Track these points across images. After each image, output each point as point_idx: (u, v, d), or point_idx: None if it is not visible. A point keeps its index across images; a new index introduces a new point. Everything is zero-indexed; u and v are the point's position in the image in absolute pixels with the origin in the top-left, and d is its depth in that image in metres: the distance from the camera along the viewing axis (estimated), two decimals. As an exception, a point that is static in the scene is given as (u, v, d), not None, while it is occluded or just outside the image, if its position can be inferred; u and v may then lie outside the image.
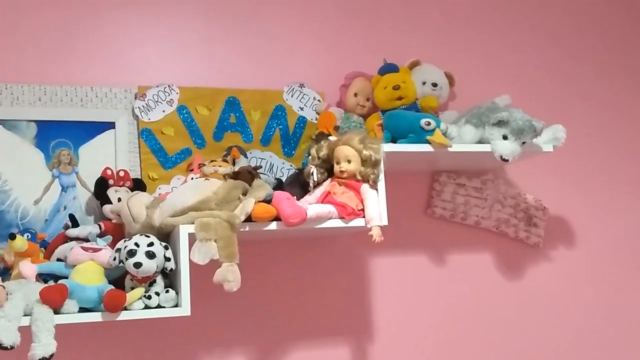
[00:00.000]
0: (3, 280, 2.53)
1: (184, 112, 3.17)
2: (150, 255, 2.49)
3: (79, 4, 3.15)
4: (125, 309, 2.47)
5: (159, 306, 2.54)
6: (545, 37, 3.91)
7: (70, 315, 2.41)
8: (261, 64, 3.37)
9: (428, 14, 3.70)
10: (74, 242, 2.69)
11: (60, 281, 2.49)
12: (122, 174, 2.93)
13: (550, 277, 3.66)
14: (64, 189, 2.97)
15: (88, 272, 2.52)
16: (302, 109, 3.35)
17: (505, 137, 3.01)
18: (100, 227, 2.80)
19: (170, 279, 2.65)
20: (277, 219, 2.65)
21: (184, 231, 2.56)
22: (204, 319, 3.03)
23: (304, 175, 2.94)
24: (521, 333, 3.56)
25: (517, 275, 3.61)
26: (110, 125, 3.07)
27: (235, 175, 2.84)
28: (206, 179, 2.81)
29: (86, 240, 2.71)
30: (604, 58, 4.01)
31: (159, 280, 2.58)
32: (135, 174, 3.04)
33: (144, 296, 2.52)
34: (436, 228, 3.50)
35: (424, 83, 3.33)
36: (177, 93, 3.17)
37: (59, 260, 2.66)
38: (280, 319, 3.20)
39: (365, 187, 2.81)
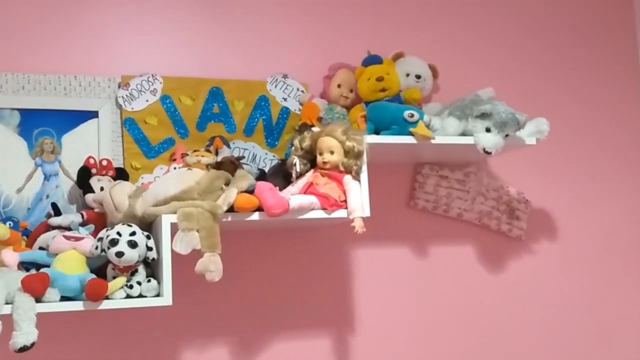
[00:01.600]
0: (-16, 269, 2.54)
1: (168, 101, 3.18)
2: (133, 244, 2.50)
3: (63, -7, 3.17)
4: (107, 298, 2.47)
5: (140, 295, 2.54)
6: (529, 31, 3.93)
7: (52, 304, 2.42)
8: (245, 54, 3.38)
9: (412, 6, 3.71)
10: (56, 231, 2.70)
11: (42, 270, 2.49)
12: (104, 163, 2.94)
13: (532, 269, 3.69)
14: (46, 177, 2.98)
15: (70, 261, 2.52)
16: (285, 99, 3.36)
17: (488, 130, 3.03)
18: (82, 216, 2.80)
19: (152, 268, 2.66)
20: (259, 209, 2.66)
21: (167, 221, 2.57)
22: (186, 308, 3.04)
23: (287, 166, 2.95)
24: (503, 325, 3.59)
25: (499, 268, 3.63)
26: (94, 114, 3.07)
27: (218, 166, 2.85)
28: (189, 168, 2.82)
29: (68, 229, 2.70)
30: (586, 53, 4.03)
31: (141, 269, 2.59)
32: (118, 163, 3.05)
33: (126, 285, 2.53)
34: (418, 220, 3.52)
35: (407, 75, 3.34)
36: (161, 83, 3.18)
37: (41, 248, 2.67)
38: (262, 310, 3.21)
39: (347, 179, 2.82)
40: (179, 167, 2.98)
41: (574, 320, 3.73)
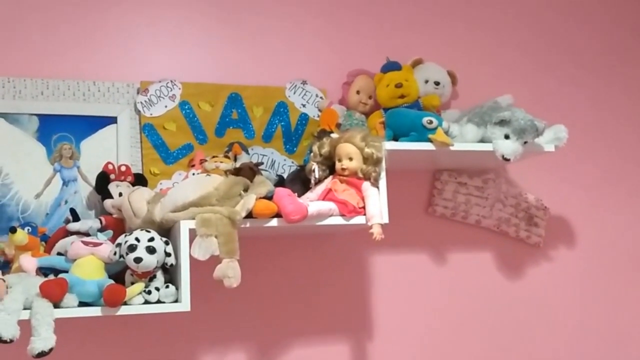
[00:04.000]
0: (3, 274, 2.53)
1: (186, 107, 3.17)
2: (151, 250, 2.49)
3: (83, 0, 3.16)
4: (125, 303, 2.47)
5: (158, 301, 2.54)
6: (548, 37, 3.91)
7: (70, 310, 2.41)
8: (264, 60, 3.37)
9: (431, 13, 3.70)
10: (74, 237, 2.69)
11: (60, 275, 2.49)
12: (123, 168, 2.93)
13: (551, 277, 3.66)
14: (65, 183, 2.98)
15: (88, 267, 2.52)
16: (304, 105, 3.35)
17: (507, 137, 3.01)
18: (101, 222, 2.80)
19: (170, 274, 2.65)
20: (278, 215, 2.65)
21: (185, 227, 2.56)
22: (204, 314, 3.03)
23: (306, 172, 2.94)
24: (520, 332, 3.56)
25: (517, 275, 3.61)
26: (112, 120, 3.07)
27: (236, 172, 2.84)
28: (207, 174, 2.82)
29: (87, 234, 2.70)
30: (606, 59, 4.00)
31: (159, 275, 2.58)
32: (136, 168, 3.04)
33: (144, 291, 2.52)
34: (437, 227, 3.51)
35: (426, 81, 3.33)
36: (180, 88, 3.17)
37: (59, 254, 2.66)
38: (280, 315, 3.20)
39: (366, 185, 2.81)
40: (198, 173, 2.96)
41: (593, 326, 3.70)
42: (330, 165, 2.91)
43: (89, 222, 2.80)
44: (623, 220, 3.86)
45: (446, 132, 3.00)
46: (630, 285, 3.81)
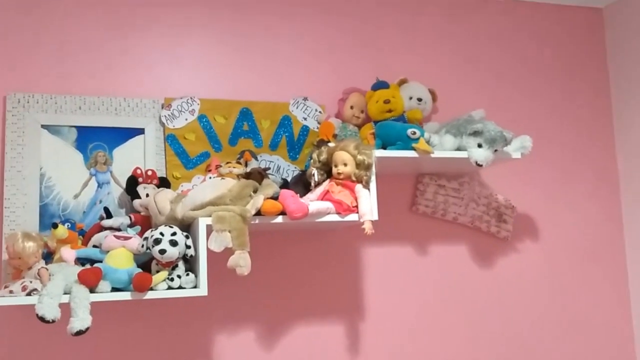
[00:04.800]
0: (46, 264, 2.57)
1: (204, 120, 3.18)
2: (173, 243, 2.52)
3: (115, 28, 3.17)
4: (151, 289, 2.50)
5: (180, 287, 2.57)
6: (515, 60, 3.89)
7: (104, 294, 2.45)
8: (271, 79, 3.37)
9: (415, 39, 3.69)
10: (107, 231, 2.71)
11: (95, 265, 2.52)
12: (150, 173, 2.95)
13: (517, 266, 3.66)
14: (99, 185, 2.98)
15: (120, 257, 2.55)
16: (305, 119, 3.35)
17: (480, 146, 3.03)
18: (130, 219, 2.80)
19: (190, 264, 2.66)
20: (282, 213, 2.68)
21: (203, 223, 2.59)
22: (219, 298, 3.04)
23: (307, 176, 2.96)
24: (492, 315, 3.56)
25: (488, 265, 3.61)
26: (140, 131, 3.08)
27: (247, 176, 2.86)
28: (222, 178, 2.84)
29: (118, 229, 2.71)
30: (563, 80, 3.97)
31: (181, 264, 2.61)
32: (161, 173, 3.04)
33: (168, 278, 2.55)
34: (419, 223, 3.50)
35: (410, 98, 3.33)
36: (198, 104, 3.18)
37: (94, 246, 2.68)
38: (285, 300, 3.21)
39: (359, 187, 2.83)
40: (214, 177, 2.97)
41: (553, 308, 3.70)
42: (327, 170, 2.93)
43: (120, 219, 2.81)
44: (579, 217, 3.86)
45: (427, 142, 3.02)
46: (585, 273, 3.81)
